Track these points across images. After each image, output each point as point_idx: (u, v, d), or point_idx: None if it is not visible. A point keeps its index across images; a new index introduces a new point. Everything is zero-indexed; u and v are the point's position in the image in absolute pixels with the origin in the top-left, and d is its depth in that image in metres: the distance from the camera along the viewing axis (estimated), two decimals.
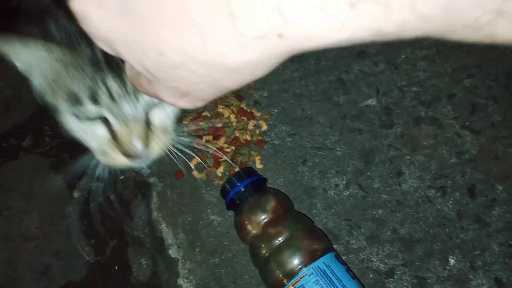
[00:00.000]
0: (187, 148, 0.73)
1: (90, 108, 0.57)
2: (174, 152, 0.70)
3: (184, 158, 0.73)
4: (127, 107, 0.56)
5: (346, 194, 0.90)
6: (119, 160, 0.64)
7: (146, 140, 0.60)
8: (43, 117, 1.04)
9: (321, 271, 0.75)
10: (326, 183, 0.91)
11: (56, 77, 0.59)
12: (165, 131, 0.63)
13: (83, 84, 0.56)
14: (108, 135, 0.62)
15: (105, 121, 0.61)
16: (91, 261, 0.92)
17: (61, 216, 0.96)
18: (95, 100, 0.56)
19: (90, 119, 0.60)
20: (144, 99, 0.57)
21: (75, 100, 0.57)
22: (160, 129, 0.62)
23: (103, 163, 0.68)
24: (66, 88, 0.58)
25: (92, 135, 0.63)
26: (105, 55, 0.53)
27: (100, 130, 0.62)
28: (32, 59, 0.57)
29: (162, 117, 0.62)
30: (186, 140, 0.76)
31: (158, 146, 0.63)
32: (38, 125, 1.04)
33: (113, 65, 0.55)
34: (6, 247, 0.94)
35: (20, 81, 1.07)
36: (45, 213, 0.97)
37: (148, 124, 0.60)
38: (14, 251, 0.94)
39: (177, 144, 0.70)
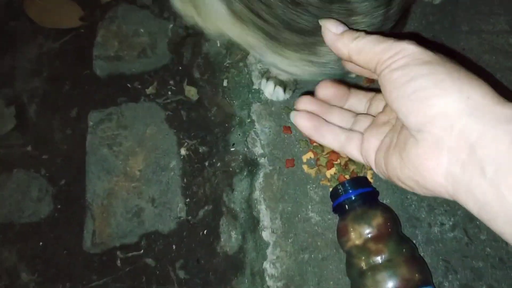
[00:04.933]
0: None
1: None
2: None
3: None
4: None
5: (450, 235, 0.88)
6: None
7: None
8: (171, 71, 1.08)
9: None
10: (432, 218, 0.89)
11: None
12: None
13: None
14: None
15: None
16: (182, 218, 0.94)
17: (164, 167, 0.98)
18: None
19: None
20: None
21: None
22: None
23: None
24: None
25: None
26: None
27: None
28: None
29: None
30: None
31: None
32: (164, 77, 1.08)
33: None
34: (107, 180, 0.98)
35: (158, 31, 1.13)
36: (150, 159, 0.99)
37: None
38: (114, 186, 0.97)
39: None
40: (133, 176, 0.97)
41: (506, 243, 0.87)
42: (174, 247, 0.92)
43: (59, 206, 0.98)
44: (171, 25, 1.12)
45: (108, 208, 0.95)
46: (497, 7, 1.08)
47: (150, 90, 1.06)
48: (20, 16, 1.16)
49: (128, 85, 1.07)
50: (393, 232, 0.81)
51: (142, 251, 0.93)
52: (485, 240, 0.88)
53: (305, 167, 0.94)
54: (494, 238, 0.88)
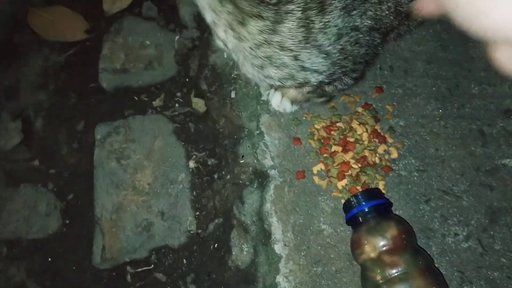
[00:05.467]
0: None
1: None
2: None
3: None
4: None
5: (464, 246, 0.87)
6: None
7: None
8: (178, 83, 1.07)
9: None
10: (446, 229, 0.88)
11: None
12: None
13: None
14: None
15: None
16: (192, 232, 0.93)
17: (173, 180, 0.98)
18: None
19: None
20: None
21: None
22: None
23: None
24: None
25: None
26: None
27: None
28: None
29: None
30: None
31: None
32: (171, 90, 1.07)
33: None
34: (116, 193, 0.97)
35: (164, 43, 1.12)
36: (159, 172, 0.98)
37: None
38: (123, 199, 0.96)
39: None
40: (142, 190, 0.96)
41: None
42: (184, 261, 0.91)
43: (67, 221, 0.97)
44: (177, 37, 1.12)
45: (117, 223, 0.94)
46: None
47: (157, 103, 1.06)
48: (25, 28, 1.15)
49: (135, 97, 1.06)
50: (408, 244, 0.80)
51: (152, 266, 0.92)
52: (500, 250, 0.87)
53: (315, 178, 0.93)
54: (509, 248, 0.87)
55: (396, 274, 0.76)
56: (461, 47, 1.02)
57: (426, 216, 0.90)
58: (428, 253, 0.86)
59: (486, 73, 1.01)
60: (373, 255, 0.79)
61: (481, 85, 1.01)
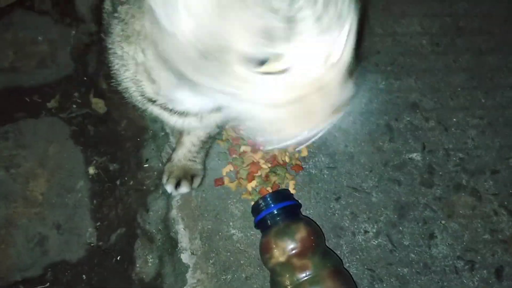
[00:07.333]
0: None
1: None
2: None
3: None
4: None
5: (374, 243, 0.87)
6: None
7: None
8: (75, 82, 0.99)
9: None
10: (356, 226, 0.88)
11: None
12: None
13: None
14: None
15: None
16: (92, 244, 0.86)
17: (70, 188, 0.90)
18: None
19: None
20: None
21: None
22: None
23: None
24: None
25: None
26: None
27: None
28: None
29: None
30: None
31: None
32: (67, 89, 0.99)
33: None
34: (5, 206, 0.87)
35: (59, 38, 1.03)
36: (54, 181, 0.90)
37: None
38: (13, 212, 0.87)
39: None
40: (34, 201, 0.88)
41: (429, 248, 0.87)
42: (84, 277, 0.84)
43: None
44: (73, 32, 1.03)
45: (7, 238, 0.85)
46: (409, 8, 1.09)
47: (52, 104, 0.97)
48: None
49: (27, 99, 0.97)
50: (317, 246, 0.78)
51: (48, 284, 0.84)
52: (409, 245, 0.87)
53: (225, 180, 0.89)
54: (417, 243, 0.87)
55: (305, 278, 0.74)
56: (367, 41, 1.02)
57: (336, 214, 0.88)
58: (339, 252, 0.85)
59: (392, 67, 1.02)
60: (282, 259, 0.76)
61: (388, 79, 1.01)
